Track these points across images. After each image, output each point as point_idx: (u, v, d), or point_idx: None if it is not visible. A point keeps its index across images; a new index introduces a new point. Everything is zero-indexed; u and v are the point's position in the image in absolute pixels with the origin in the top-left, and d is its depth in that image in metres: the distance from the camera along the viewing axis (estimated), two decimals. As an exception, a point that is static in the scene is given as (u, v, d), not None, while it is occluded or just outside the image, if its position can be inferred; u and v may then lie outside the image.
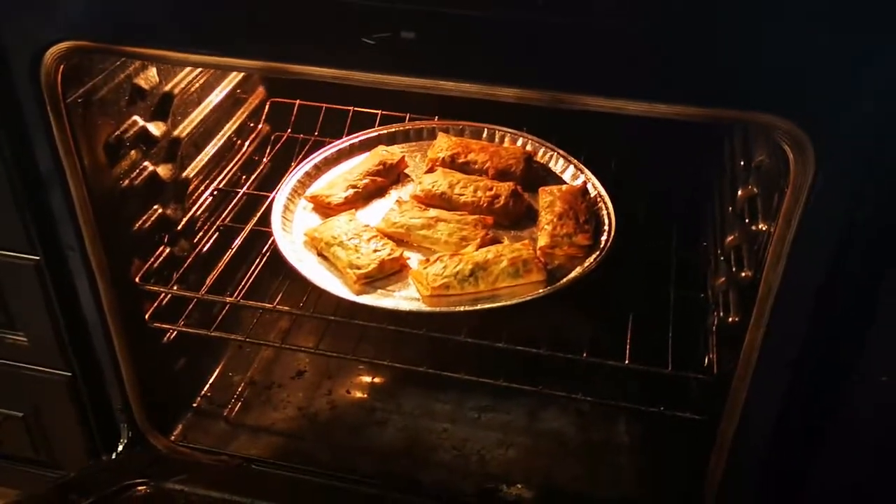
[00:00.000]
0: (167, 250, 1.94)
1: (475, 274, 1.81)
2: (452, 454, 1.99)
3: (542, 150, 2.24)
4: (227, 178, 2.26)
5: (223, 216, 2.20)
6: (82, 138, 1.54)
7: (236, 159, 2.32)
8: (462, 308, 1.78)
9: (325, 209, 2.07)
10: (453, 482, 1.91)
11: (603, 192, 2.06)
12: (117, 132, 1.69)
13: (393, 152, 2.22)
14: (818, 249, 1.28)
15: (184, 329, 1.86)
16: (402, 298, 1.82)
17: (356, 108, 2.38)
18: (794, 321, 1.38)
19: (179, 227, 2.00)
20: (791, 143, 1.19)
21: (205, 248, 2.09)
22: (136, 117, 1.76)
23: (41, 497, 1.51)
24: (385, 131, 2.33)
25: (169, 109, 1.88)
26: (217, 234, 2.16)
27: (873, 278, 1.29)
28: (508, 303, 1.78)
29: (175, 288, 1.91)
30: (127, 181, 1.75)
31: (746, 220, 1.60)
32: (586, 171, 2.13)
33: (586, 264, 1.86)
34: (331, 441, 1.98)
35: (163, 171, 1.89)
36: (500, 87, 1.30)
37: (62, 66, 1.42)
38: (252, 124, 2.41)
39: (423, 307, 1.80)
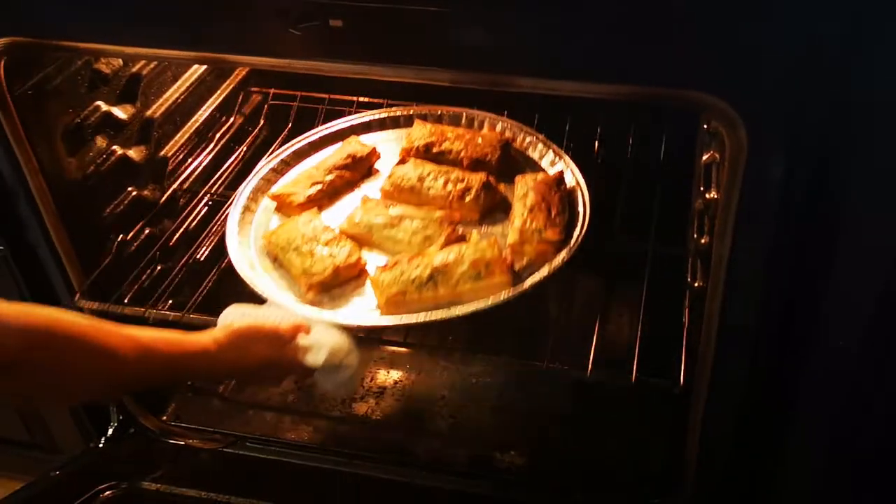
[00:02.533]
0: (146, 231, 1.95)
1: (434, 279, 1.69)
2: (449, 422, 2.01)
3: (522, 135, 2.11)
4: (216, 150, 2.25)
5: (214, 186, 2.19)
6: (36, 129, 1.56)
7: (223, 130, 2.31)
8: (412, 321, 1.66)
9: (290, 209, 1.95)
10: (448, 451, 1.92)
11: (581, 179, 1.92)
12: (77, 119, 1.70)
13: (364, 144, 2.11)
14: (760, 220, 1.26)
15: (161, 312, 1.80)
16: (359, 308, 1.72)
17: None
18: (747, 289, 1.36)
19: (159, 206, 2.01)
20: (723, 119, 1.17)
21: (192, 226, 2.08)
22: (98, 102, 1.76)
23: None
24: (359, 120, 2.21)
25: (137, 91, 1.88)
26: (206, 209, 2.15)
27: (818, 247, 1.26)
28: (461, 313, 1.65)
29: (146, 276, 1.92)
30: (93, 167, 1.76)
31: (701, 188, 1.55)
32: (565, 156, 2.01)
33: (555, 263, 1.73)
34: (327, 415, 2.00)
35: (135, 153, 1.90)
36: (433, 70, 1.28)
37: (4, 61, 1.42)
38: (241, 95, 2.39)
39: (374, 319, 1.69)
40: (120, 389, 1.61)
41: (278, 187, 2.01)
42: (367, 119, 2.22)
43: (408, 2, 1.21)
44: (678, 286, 1.87)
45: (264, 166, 2.07)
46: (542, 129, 2.13)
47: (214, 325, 1.60)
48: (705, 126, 1.67)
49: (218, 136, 2.28)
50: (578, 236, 1.77)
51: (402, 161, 2.05)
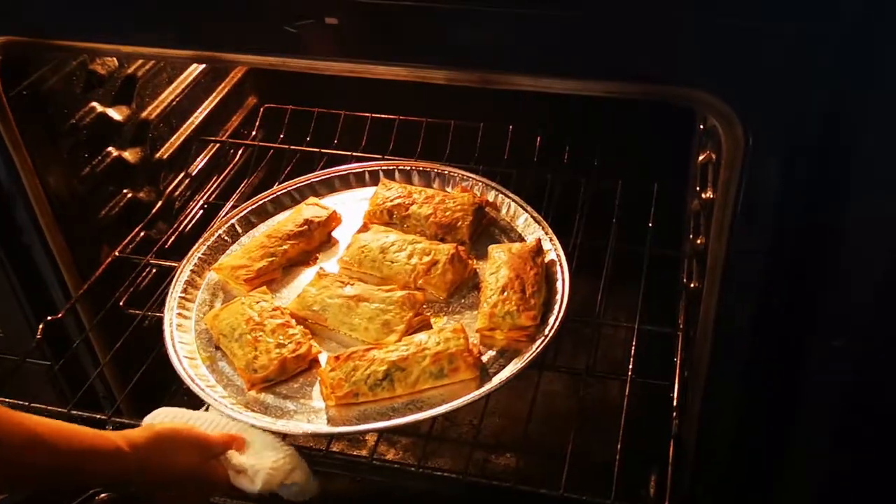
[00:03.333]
0: (142, 233, 1.95)
1: (391, 376, 1.55)
2: (444, 424, 1.98)
3: (497, 195, 1.98)
4: (210, 154, 2.25)
5: (208, 193, 2.20)
6: (31, 130, 1.56)
7: (219, 136, 2.31)
8: (364, 428, 1.53)
9: (238, 284, 1.80)
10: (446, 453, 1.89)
11: (561, 251, 1.80)
12: (72, 120, 1.70)
13: (323, 206, 1.96)
14: (757, 219, 1.24)
15: (155, 314, 1.80)
16: (309, 406, 1.58)
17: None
18: (743, 289, 1.35)
19: (155, 210, 2.00)
20: (720, 118, 1.16)
21: (187, 228, 2.09)
22: (94, 104, 1.76)
23: None
24: (317, 178, 2.08)
25: (132, 92, 1.88)
26: (201, 212, 2.15)
27: (815, 246, 1.25)
28: (420, 418, 1.51)
29: (151, 268, 1.91)
30: (88, 169, 1.76)
31: (697, 188, 1.55)
32: (543, 222, 1.88)
33: (527, 356, 1.60)
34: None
35: (130, 155, 1.89)
36: (428, 69, 1.27)
37: (0, 60, 1.42)
38: (238, 97, 2.39)
39: (323, 427, 1.53)
40: None
41: (226, 258, 1.88)
42: (328, 176, 2.09)
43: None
44: (672, 288, 1.88)
45: (214, 231, 1.94)
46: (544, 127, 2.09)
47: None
48: (701, 126, 1.67)
49: (213, 140, 2.27)
50: (555, 322, 1.64)
51: (363, 228, 1.94)
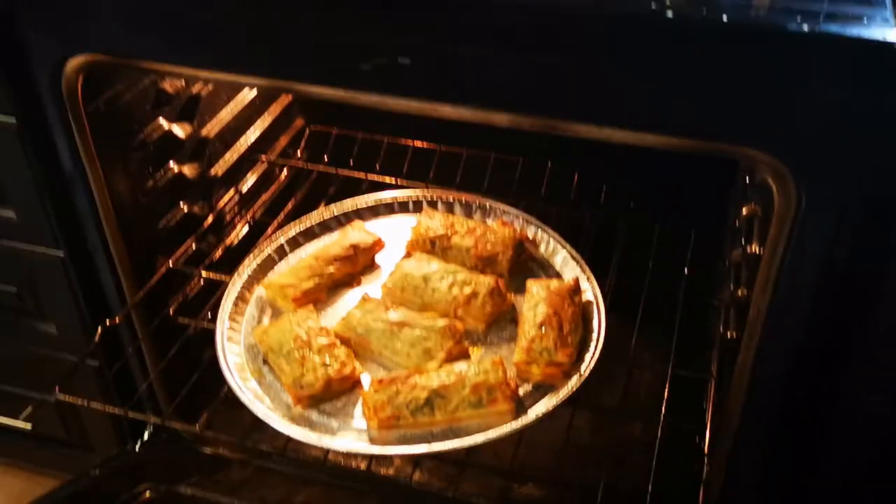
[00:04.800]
0: (194, 246, 2.02)
1: (431, 403, 1.60)
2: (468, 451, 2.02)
3: (537, 231, 2.04)
4: (259, 173, 2.32)
5: (253, 210, 2.27)
6: (104, 142, 1.62)
7: (268, 155, 2.38)
8: (405, 452, 1.58)
9: (285, 302, 1.87)
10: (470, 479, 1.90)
11: (598, 291, 1.85)
12: (141, 136, 1.77)
13: (368, 232, 2.02)
14: (803, 279, 1.29)
15: (203, 324, 1.89)
16: (351, 425, 1.64)
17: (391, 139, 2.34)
18: (782, 344, 1.39)
19: (207, 223, 2.08)
20: (774, 175, 1.20)
21: (233, 243, 2.16)
22: (160, 120, 1.84)
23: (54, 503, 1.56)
24: (364, 205, 2.14)
25: (195, 111, 1.96)
26: (247, 227, 2.22)
27: (858, 305, 1.30)
28: (460, 446, 1.57)
29: (200, 279, 1.98)
30: (151, 182, 1.83)
31: (743, 241, 1.60)
32: (580, 260, 1.94)
33: (561, 393, 1.65)
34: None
35: (188, 170, 1.96)
36: (492, 112, 1.33)
37: (82, 76, 1.49)
38: (286, 119, 2.47)
39: (364, 445, 1.60)
40: None
41: (274, 276, 1.94)
42: (375, 203, 2.16)
43: (468, 43, 1.27)
44: (699, 333, 1.92)
45: (263, 249, 2.01)
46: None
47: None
48: (747, 179, 1.72)
49: (262, 159, 2.35)
50: (591, 360, 1.70)
51: (407, 255, 1.98)
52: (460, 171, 2.24)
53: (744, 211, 1.63)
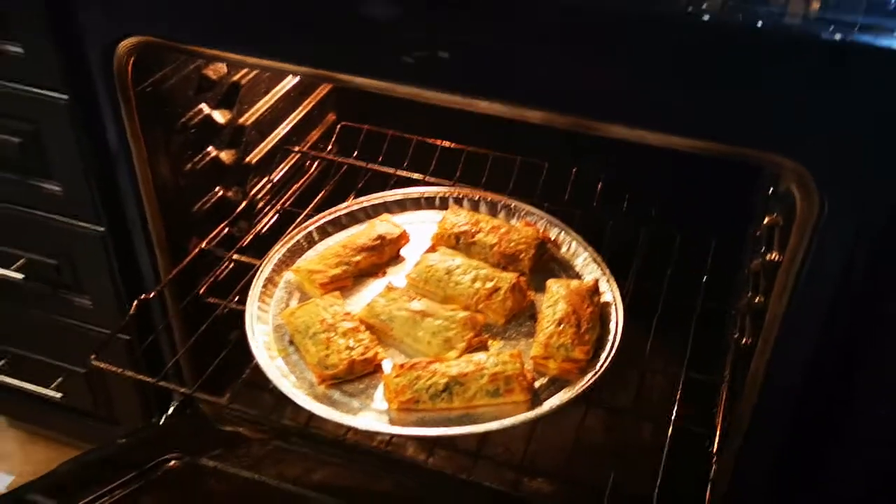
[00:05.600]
0: (226, 230, 2.08)
1: (450, 389, 1.65)
2: (480, 443, 2.06)
3: (559, 233, 2.10)
4: (290, 163, 2.38)
5: (283, 199, 2.33)
6: (149, 123, 1.68)
7: (300, 147, 2.44)
8: (423, 433, 1.64)
9: (313, 287, 1.93)
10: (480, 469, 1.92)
11: (617, 293, 1.89)
12: (183, 119, 1.83)
13: (395, 224, 2.09)
14: (820, 288, 1.31)
15: (231, 305, 1.94)
16: (370, 405, 1.69)
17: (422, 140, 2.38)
18: (796, 351, 1.41)
19: (240, 209, 2.13)
20: (798, 182, 1.24)
21: (263, 230, 2.21)
22: (202, 105, 1.90)
23: (77, 467, 1.61)
24: (391, 198, 2.21)
25: (235, 99, 2.02)
26: (277, 216, 2.27)
27: (873, 318, 1.33)
28: (476, 431, 1.62)
29: (231, 261, 2.03)
30: (190, 165, 1.89)
31: (764, 249, 1.63)
32: (601, 263, 1.99)
33: (577, 388, 1.69)
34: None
35: (226, 156, 2.02)
36: (527, 109, 1.38)
37: (133, 58, 1.55)
38: (319, 112, 2.53)
39: (384, 425, 1.65)
40: None
41: (303, 262, 2.00)
42: (402, 196, 2.22)
43: (507, 41, 1.31)
44: (711, 338, 1.95)
45: (294, 236, 2.06)
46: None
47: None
48: (771, 191, 1.75)
49: (295, 150, 2.40)
50: (606, 360, 1.73)
51: (431, 248, 2.04)
52: (486, 173, 2.29)
53: (765, 220, 1.67)
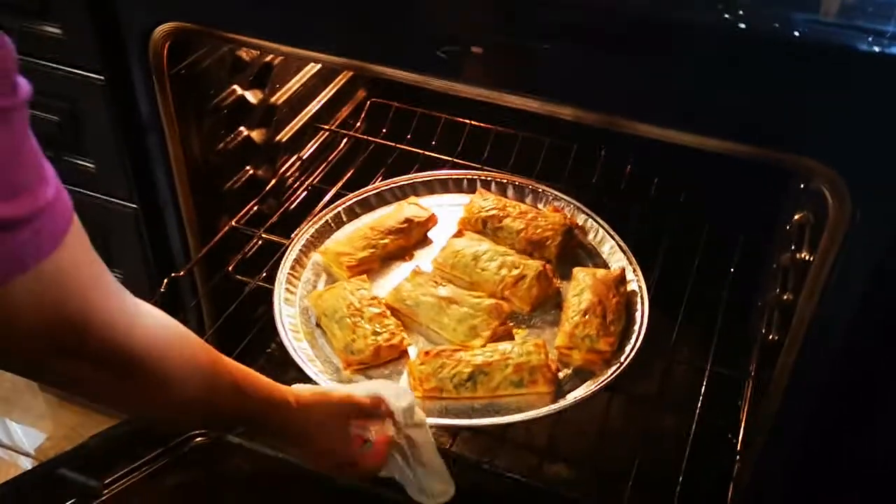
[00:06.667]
0: (255, 207, 2.09)
1: (474, 378, 1.65)
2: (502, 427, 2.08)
3: (587, 219, 2.07)
4: (319, 141, 2.39)
5: (312, 177, 2.34)
6: (183, 104, 1.70)
7: (331, 123, 2.44)
8: (447, 423, 1.65)
9: (340, 269, 1.93)
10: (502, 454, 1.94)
11: (643, 283, 1.88)
12: (216, 100, 1.85)
13: (423, 207, 2.07)
14: (850, 289, 1.31)
15: (259, 283, 1.94)
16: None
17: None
18: (824, 351, 1.42)
19: (269, 187, 2.15)
20: (830, 187, 1.23)
21: (291, 207, 2.22)
22: (235, 86, 1.91)
23: (105, 442, 1.64)
24: (419, 180, 2.20)
25: (268, 79, 2.02)
26: (305, 193, 2.28)
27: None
28: (501, 422, 1.64)
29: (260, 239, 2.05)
30: (222, 144, 1.91)
31: (793, 247, 1.63)
32: (628, 251, 1.96)
33: (600, 380, 1.69)
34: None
35: (257, 135, 2.04)
36: (558, 105, 1.38)
37: (168, 43, 1.57)
38: (350, 89, 2.53)
39: None
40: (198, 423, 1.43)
41: (331, 244, 1.99)
42: (431, 178, 2.21)
43: (539, 39, 1.31)
44: (735, 333, 1.94)
45: (322, 217, 2.06)
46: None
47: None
48: (801, 186, 1.74)
49: (324, 128, 2.41)
50: (631, 351, 1.72)
51: (458, 233, 2.04)
52: (514, 154, 2.29)
53: (796, 216, 1.66)
